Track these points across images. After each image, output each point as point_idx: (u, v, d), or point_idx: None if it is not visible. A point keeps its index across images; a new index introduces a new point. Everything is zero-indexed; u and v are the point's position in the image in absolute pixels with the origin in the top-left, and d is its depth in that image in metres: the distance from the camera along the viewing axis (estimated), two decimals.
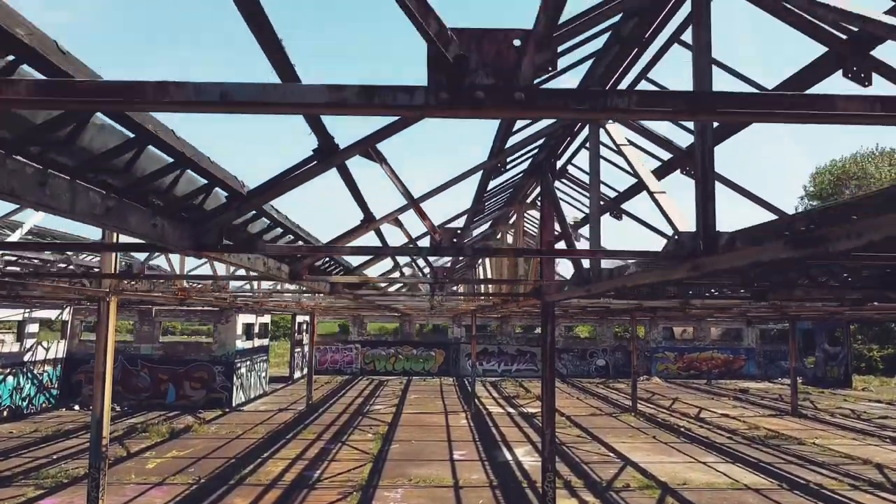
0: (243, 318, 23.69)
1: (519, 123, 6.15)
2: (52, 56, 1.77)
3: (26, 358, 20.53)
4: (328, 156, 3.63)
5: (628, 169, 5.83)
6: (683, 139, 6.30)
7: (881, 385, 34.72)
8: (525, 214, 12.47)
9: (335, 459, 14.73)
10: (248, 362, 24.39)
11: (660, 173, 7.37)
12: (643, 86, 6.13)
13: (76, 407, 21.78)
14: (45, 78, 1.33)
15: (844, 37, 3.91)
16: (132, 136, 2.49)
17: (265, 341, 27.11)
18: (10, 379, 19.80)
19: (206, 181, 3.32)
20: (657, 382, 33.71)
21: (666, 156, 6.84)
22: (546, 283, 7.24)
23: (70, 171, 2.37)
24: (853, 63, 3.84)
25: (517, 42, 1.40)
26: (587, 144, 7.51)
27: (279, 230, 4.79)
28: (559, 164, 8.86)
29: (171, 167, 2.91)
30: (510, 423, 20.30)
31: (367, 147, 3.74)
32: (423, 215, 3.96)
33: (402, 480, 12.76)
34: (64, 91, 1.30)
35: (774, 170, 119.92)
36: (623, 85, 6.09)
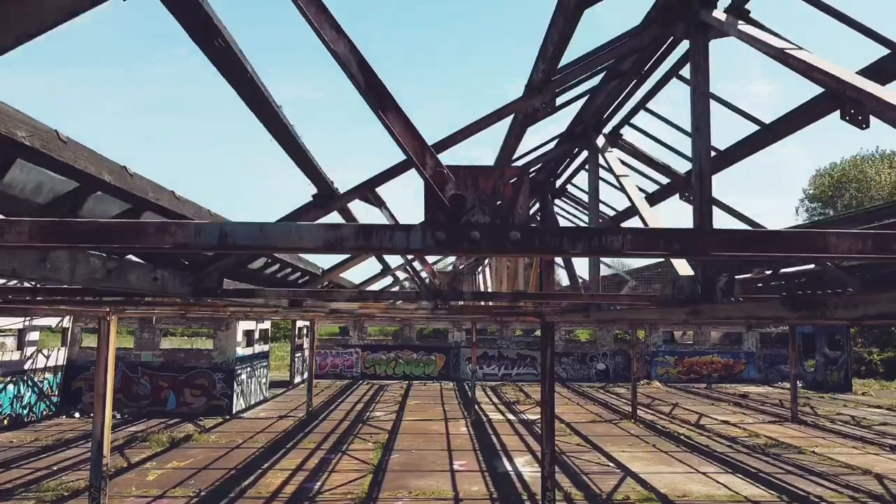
0: (244, 325, 23.71)
1: (520, 150, 6.17)
2: (52, 150, 1.79)
3: (27, 366, 20.56)
4: (327, 201, 3.64)
5: (627, 193, 5.83)
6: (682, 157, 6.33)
7: (881, 389, 34.74)
8: None
9: (335, 470, 14.75)
10: (249, 368, 24.41)
11: (659, 197, 7.39)
12: (641, 116, 6.15)
13: (76, 414, 21.81)
14: (45, 219, 1.35)
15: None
16: (130, 206, 2.52)
17: (265, 347, 27.14)
18: (10, 387, 19.82)
19: None
20: (657, 387, 33.73)
21: (666, 176, 6.86)
22: (546, 305, 7.26)
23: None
24: (851, 105, 3.86)
25: (513, 179, 1.41)
26: (586, 166, 7.54)
27: (278, 264, 4.83)
28: (559, 182, 8.88)
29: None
30: (510, 431, 20.32)
31: (367, 192, 3.75)
32: (423, 261, 3.99)
33: (402, 493, 12.77)
34: (65, 233, 1.32)
35: (776, 170, 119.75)
36: (621, 114, 6.11)
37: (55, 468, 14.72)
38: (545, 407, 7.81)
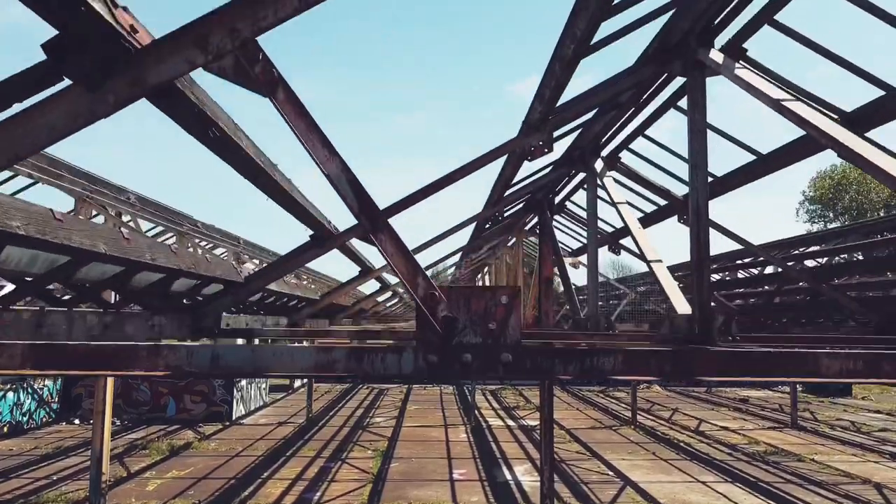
0: None
1: (518, 175, 6.17)
2: (47, 233, 1.79)
3: None
4: (325, 241, 3.64)
5: (624, 220, 5.84)
6: (679, 176, 6.32)
7: (881, 393, 34.71)
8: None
9: (335, 480, 14.75)
10: (249, 382, 24.42)
11: (658, 217, 7.40)
12: (640, 142, 6.16)
13: (76, 421, 21.82)
14: (38, 343, 1.35)
15: (836, 116, 3.92)
16: (124, 269, 2.52)
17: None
18: (10, 395, 19.84)
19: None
20: (657, 391, 33.72)
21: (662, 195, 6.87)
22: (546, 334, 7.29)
23: (68, 302, 2.40)
24: (839, 150, 3.86)
25: (504, 299, 1.42)
26: (585, 185, 7.54)
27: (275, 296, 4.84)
28: (558, 198, 8.88)
29: (169, 277, 2.94)
30: (510, 438, 20.31)
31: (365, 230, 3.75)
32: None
33: (401, 503, 12.78)
34: (57, 358, 1.32)
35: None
36: (619, 138, 6.12)
37: (55, 478, 14.73)
38: (544, 425, 7.82)
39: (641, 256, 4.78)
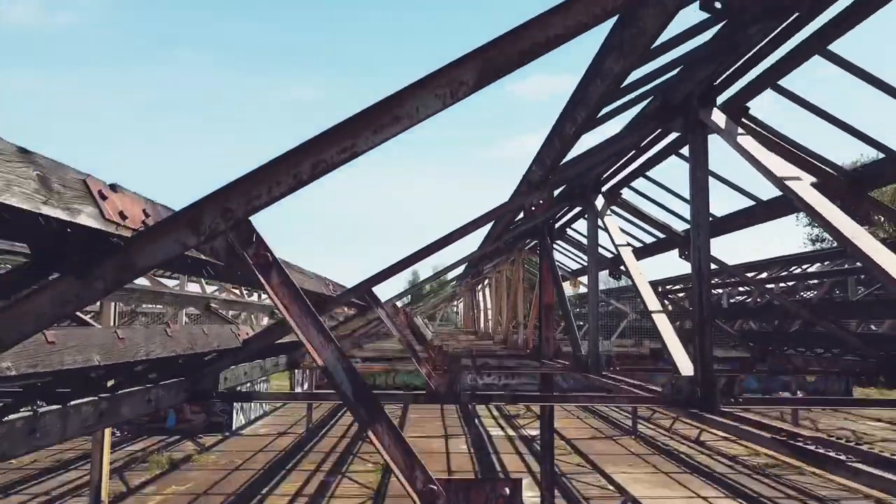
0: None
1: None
2: (38, 362, 1.76)
3: None
4: (323, 303, 3.61)
5: (623, 260, 5.80)
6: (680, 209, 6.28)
7: (882, 398, 34.67)
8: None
9: (335, 495, 14.73)
10: (249, 384, 24.39)
11: (658, 249, 7.36)
12: (640, 182, 6.11)
13: None
14: None
15: (841, 177, 3.89)
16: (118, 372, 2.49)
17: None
18: None
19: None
20: None
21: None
22: (545, 366, 7.25)
23: (62, 397, 2.38)
24: (850, 201, 3.83)
25: (506, 490, 1.39)
26: (585, 214, 7.50)
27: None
28: (558, 224, 8.85)
29: (166, 360, 2.91)
30: (510, 449, 20.30)
31: (363, 292, 3.73)
32: (419, 362, 3.98)
33: None
34: None
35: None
36: (619, 177, 6.08)
37: (54, 493, 14.71)
38: (544, 450, 7.78)
39: (644, 308, 4.74)
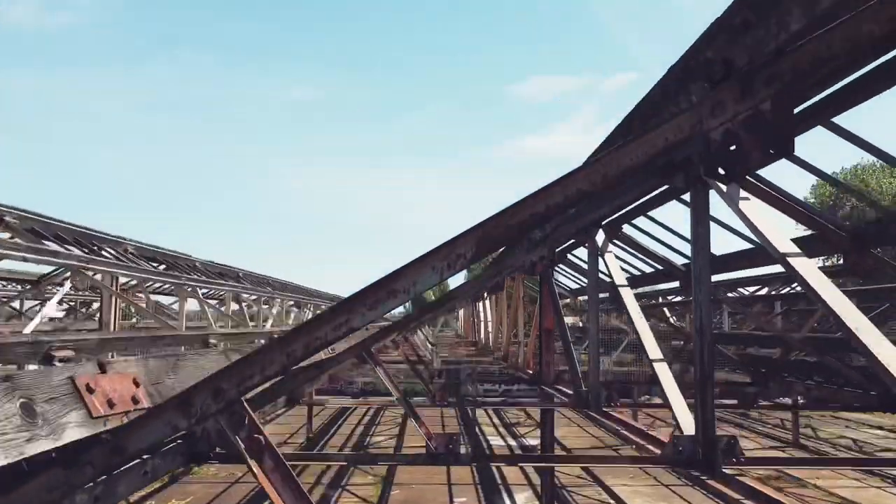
0: None
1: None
2: None
3: None
4: (324, 370, 3.58)
5: (622, 298, 5.77)
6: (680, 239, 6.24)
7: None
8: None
9: None
10: None
11: (659, 279, 7.33)
12: (641, 220, 6.09)
13: None
14: None
15: (844, 234, 3.86)
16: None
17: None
18: None
19: None
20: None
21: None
22: (544, 397, 7.21)
23: None
24: (853, 257, 3.79)
25: None
26: (586, 244, 7.47)
27: None
28: (558, 248, 8.82)
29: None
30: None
31: (362, 350, 3.69)
32: (420, 423, 3.95)
33: None
34: None
35: (777, 177, 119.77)
36: (617, 215, 6.05)
37: None
38: (544, 485, 7.75)
39: (645, 359, 4.70)
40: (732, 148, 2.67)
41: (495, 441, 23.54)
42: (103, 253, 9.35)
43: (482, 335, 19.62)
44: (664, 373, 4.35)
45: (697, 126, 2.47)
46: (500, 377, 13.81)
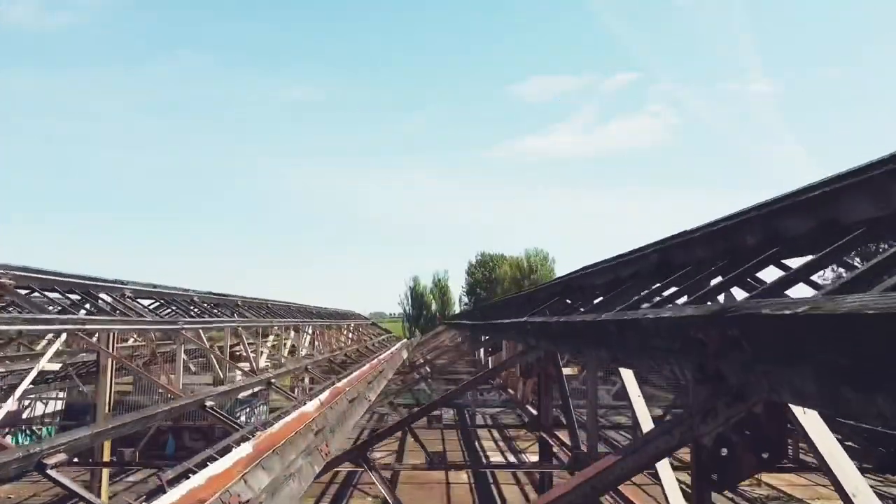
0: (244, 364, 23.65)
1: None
2: None
3: (25, 415, 20.55)
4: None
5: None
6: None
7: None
8: None
9: None
10: (248, 409, 24.42)
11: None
12: None
13: (75, 459, 21.77)
14: None
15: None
16: None
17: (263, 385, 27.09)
18: (8, 438, 19.79)
19: None
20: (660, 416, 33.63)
21: None
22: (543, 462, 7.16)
23: None
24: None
25: None
26: None
27: None
28: None
29: None
30: (510, 479, 20.23)
31: (359, 455, 3.65)
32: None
33: None
34: None
35: (775, 169, 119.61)
36: None
37: None
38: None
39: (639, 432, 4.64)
40: None
41: (495, 457, 23.54)
42: (100, 301, 9.29)
43: (482, 354, 19.61)
44: (665, 470, 4.29)
45: None
46: (499, 403, 13.68)
